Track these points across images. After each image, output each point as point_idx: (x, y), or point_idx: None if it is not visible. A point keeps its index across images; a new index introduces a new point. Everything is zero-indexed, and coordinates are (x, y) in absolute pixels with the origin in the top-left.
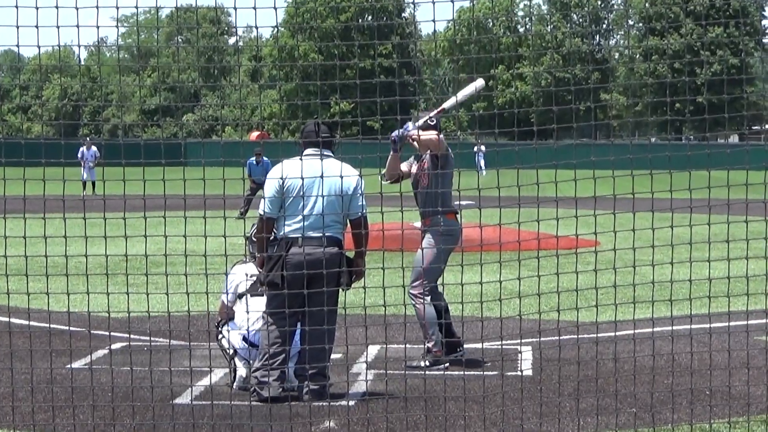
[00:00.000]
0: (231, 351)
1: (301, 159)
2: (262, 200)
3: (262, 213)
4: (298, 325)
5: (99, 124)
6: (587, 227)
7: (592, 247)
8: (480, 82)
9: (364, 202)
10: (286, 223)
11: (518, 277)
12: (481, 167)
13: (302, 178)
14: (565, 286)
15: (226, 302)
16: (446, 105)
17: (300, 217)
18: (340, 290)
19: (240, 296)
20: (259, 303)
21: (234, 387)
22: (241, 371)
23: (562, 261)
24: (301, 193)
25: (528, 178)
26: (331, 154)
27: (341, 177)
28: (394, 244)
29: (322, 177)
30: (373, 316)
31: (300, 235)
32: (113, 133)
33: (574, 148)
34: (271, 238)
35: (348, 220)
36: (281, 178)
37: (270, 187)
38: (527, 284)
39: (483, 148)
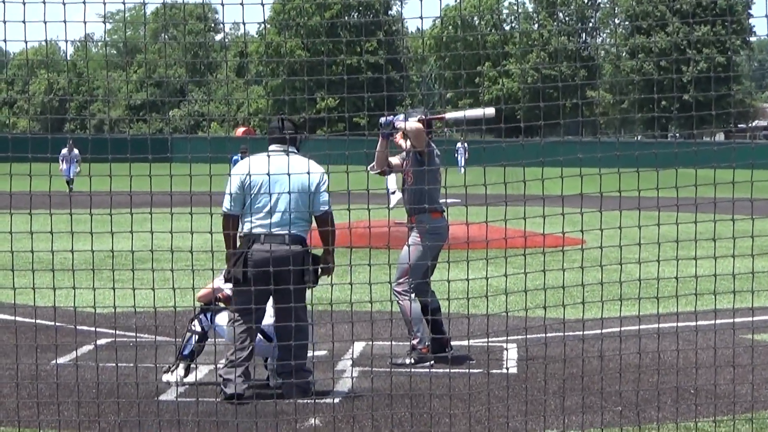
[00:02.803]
0: (191, 344)
1: (268, 155)
2: (225, 196)
3: (224, 209)
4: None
5: (85, 119)
6: (573, 225)
7: (579, 245)
8: (491, 110)
9: (328, 199)
10: (249, 219)
11: (505, 274)
12: (460, 165)
13: (264, 174)
14: (551, 284)
15: (217, 285)
16: (448, 115)
17: (263, 214)
18: (308, 288)
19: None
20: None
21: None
22: (180, 371)
23: (548, 259)
24: (263, 189)
25: (514, 175)
26: (296, 151)
27: (303, 173)
28: (381, 241)
29: (274, 174)
30: (358, 313)
31: (263, 232)
32: (99, 128)
33: (561, 145)
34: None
35: (313, 218)
36: (243, 174)
37: (232, 184)
38: (513, 281)
39: (465, 145)
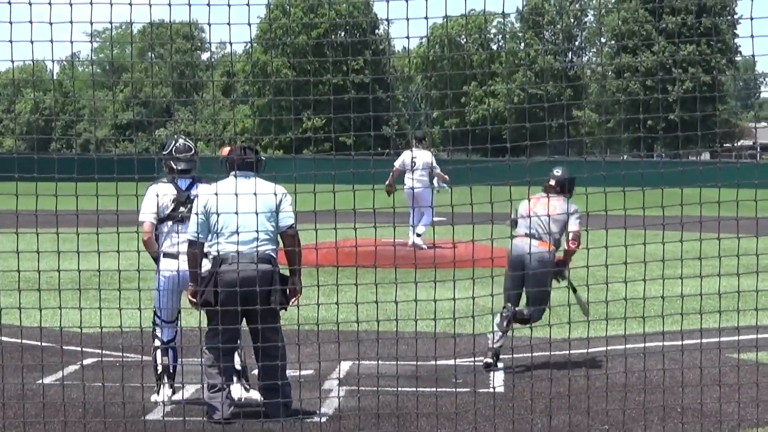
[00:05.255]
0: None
1: (236, 176)
2: (190, 223)
3: (189, 237)
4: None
5: (71, 138)
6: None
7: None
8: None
9: (291, 215)
10: (216, 241)
11: (491, 294)
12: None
13: (228, 196)
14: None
15: (150, 221)
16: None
17: (227, 235)
18: (279, 310)
19: (161, 220)
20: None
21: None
22: (168, 390)
23: None
24: (227, 211)
25: (501, 195)
26: (254, 174)
27: (266, 194)
28: (368, 260)
29: (240, 194)
30: (345, 332)
31: (230, 252)
32: (85, 147)
33: (548, 164)
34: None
35: (279, 237)
36: (206, 199)
37: (195, 212)
38: (499, 301)
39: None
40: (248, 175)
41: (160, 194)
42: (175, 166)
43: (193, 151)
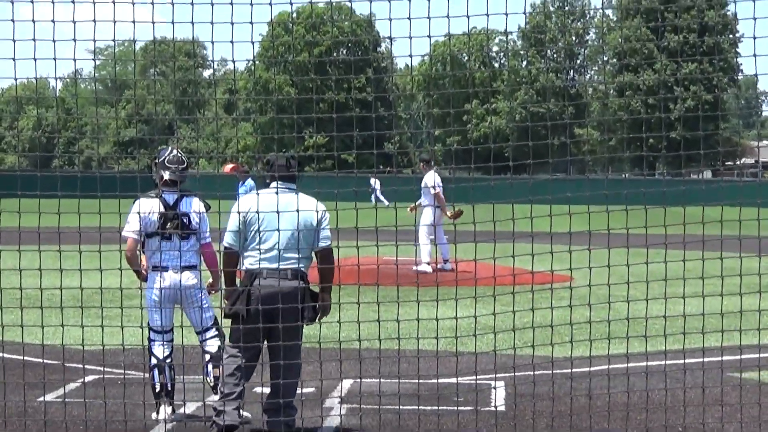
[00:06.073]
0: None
1: (277, 192)
2: (226, 233)
3: (225, 245)
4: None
5: (73, 155)
6: (562, 263)
7: (567, 282)
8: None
9: (330, 235)
10: (251, 255)
11: (493, 312)
12: (380, 200)
13: (269, 212)
14: (540, 322)
15: (134, 238)
16: None
17: (264, 249)
18: (304, 325)
19: (149, 235)
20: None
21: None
22: (168, 408)
23: (536, 296)
24: (264, 226)
25: (503, 213)
26: (296, 188)
27: (306, 210)
28: (370, 278)
29: (279, 211)
30: (347, 350)
31: (264, 268)
32: (87, 164)
33: (550, 183)
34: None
35: (314, 254)
36: (243, 212)
37: (233, 220)
38: (502, 319)
39: (376, 182)
40: (290, 187)
41: (146, 209)
42: (163, 176)
43: (184, 164)
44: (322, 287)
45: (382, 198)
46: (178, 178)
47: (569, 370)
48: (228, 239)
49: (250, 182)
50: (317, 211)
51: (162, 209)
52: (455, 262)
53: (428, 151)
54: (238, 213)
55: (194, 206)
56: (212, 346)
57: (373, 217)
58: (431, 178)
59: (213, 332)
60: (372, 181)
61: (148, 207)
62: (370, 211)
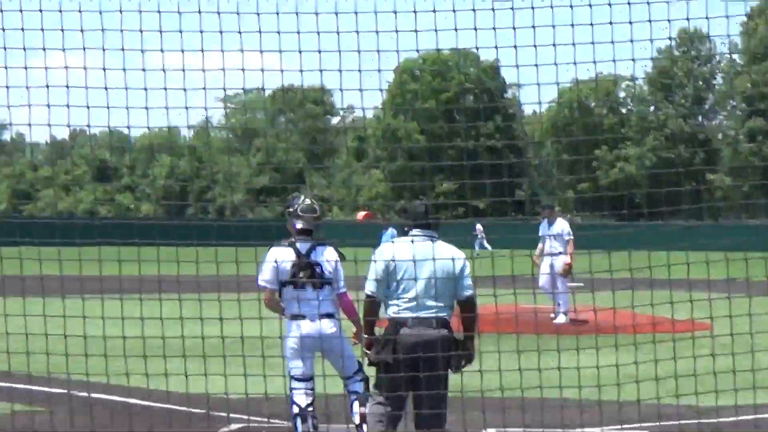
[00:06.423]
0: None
1: (412, 241)
2: (367, 281)
3: (368, 293)
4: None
5: (206, 204)
6: (702, 311)
7: (707, 330)
8: None
9: (471, 283)
10: (395, 303)
11: (635, 361)
12: (484, 246)
13: (414, 260)
14: (681, 370)
15: (270, 288)
16: None
17: (408, 299)
18: (450, 373)
19: (284, 284)
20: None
21: None
22: None
23: (677, 345)
24: (408, 275)
25: (638, 260)
26: (436, 236)
27: (448, 259)
28: (509, 327)
29: (422, 260)
30: (489, 399)
31: (410, 316)
32: (220, 212)
33: (685, 229)
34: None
35: (456, 302)
36: (388, 260)
37: (376, 268)
38: (643, 368)
39: (480, 228)
40: (430, 235)
41: (279, 259)
42: (296, 225)
43: (317, 213)
44: (466, 335)
45: (486, 245)
46: (312, 226)
47: (716, 420)
48: (370, 287)
49: (392, 230)
50: (458, 259)
51: (295, 258)
52: (575, 311)
53: (550, 198)
54: (382, 261)
55: (327, 255)
56: (358, 386)
57: (510, 265)
58: (566, 225)
59: (360, 376)
60: (477, 227)
61: (281, 256)
62: (499, 260)
